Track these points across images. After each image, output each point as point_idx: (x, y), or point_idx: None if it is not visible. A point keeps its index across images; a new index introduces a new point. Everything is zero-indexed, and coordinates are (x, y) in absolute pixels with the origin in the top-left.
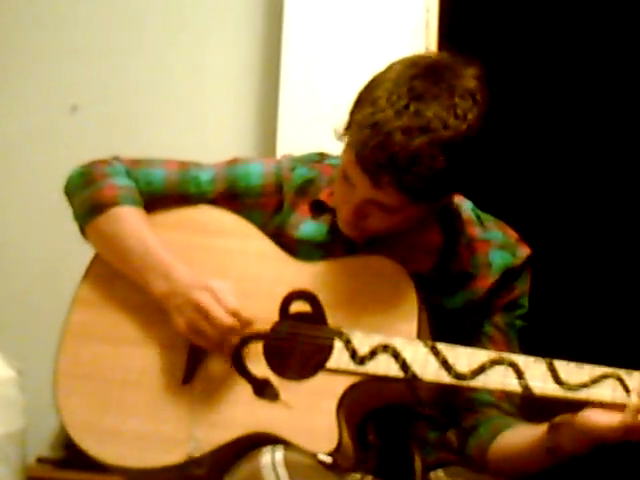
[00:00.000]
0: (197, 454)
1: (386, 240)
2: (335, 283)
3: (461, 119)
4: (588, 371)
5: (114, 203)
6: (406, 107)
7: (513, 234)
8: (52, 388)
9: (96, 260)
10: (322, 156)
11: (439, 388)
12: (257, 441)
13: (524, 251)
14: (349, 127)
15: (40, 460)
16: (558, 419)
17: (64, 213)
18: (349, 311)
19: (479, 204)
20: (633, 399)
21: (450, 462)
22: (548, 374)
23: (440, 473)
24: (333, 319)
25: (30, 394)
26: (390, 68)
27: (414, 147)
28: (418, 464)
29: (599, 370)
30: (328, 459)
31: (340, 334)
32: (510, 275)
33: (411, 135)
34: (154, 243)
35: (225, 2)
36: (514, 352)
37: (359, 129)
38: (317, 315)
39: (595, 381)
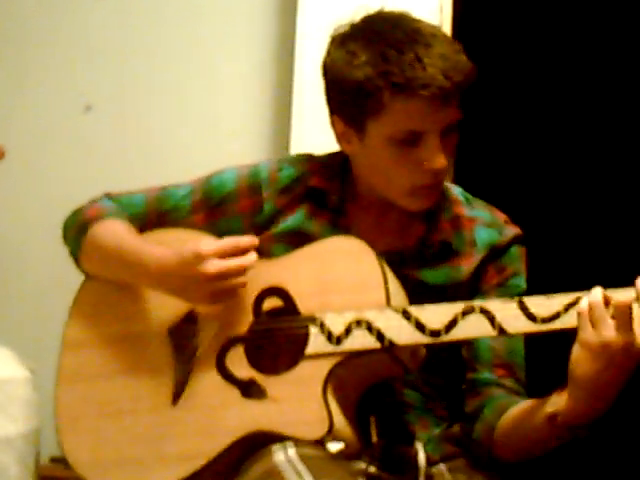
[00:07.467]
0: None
1: (371, 227)
2: (301, 272)
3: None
4: (558, 300)
5: (98, 217)
6: (415, 41)
7: (502, 215)
8: (55, 431)
9: (77, 300)
10: (310, 157)
11: (427, 354)
12: (256, 441)
13: (512, 230)
14: (378, 95)
15: (54, 460)
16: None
17: None
18: (319, 296)
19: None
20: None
21: (453, 456)
22: (519, 312)
23: (442, 467)
24: (305, 307)
25: (44, 394)
26: (341, 47)
27: (455, 56)
28: (422, 459)
29: (570, 297)
30: (339, 446)
31: (313, 319)
32: (496, 253)
33: (446, 50)
34: (136, 242)
35: (239, 3)
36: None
37: (407, 79)
38: (289, 307)
39: (567, 308)
